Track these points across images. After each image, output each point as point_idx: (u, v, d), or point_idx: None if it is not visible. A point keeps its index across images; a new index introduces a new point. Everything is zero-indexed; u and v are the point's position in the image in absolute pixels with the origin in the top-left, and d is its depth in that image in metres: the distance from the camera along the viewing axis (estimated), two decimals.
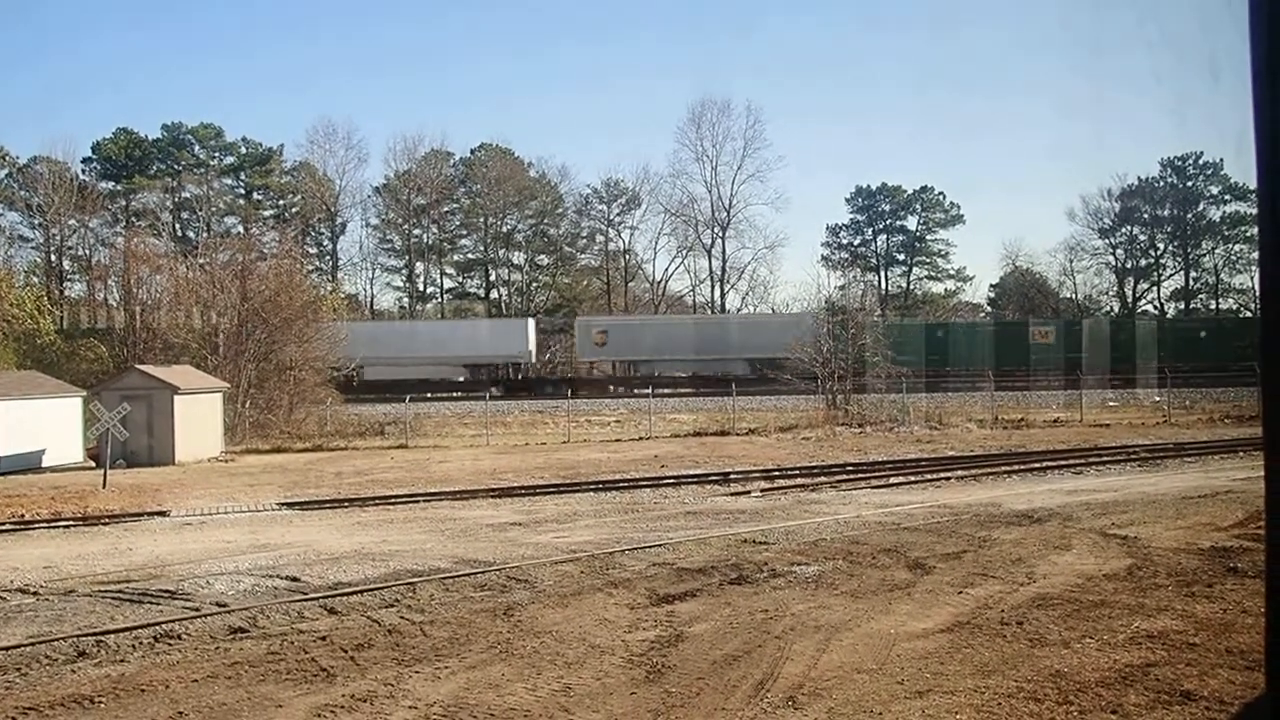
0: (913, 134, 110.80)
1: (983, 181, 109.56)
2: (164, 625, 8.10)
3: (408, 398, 39.30)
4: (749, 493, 18.96)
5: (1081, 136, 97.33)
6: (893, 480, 20.51)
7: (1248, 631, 6.98)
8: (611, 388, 54.21)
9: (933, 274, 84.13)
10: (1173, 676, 6.04)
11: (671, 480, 21.03)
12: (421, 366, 52.47)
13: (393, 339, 54.61)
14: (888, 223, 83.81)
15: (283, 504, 19.06)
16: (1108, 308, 75.03)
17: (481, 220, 78.05)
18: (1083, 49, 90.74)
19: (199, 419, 28.81)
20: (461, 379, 54.09)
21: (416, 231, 78.20)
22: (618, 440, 32.15)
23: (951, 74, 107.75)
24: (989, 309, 78.54)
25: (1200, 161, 75.76)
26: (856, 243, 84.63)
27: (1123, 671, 6.16)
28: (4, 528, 16.51)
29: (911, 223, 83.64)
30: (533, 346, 56.75)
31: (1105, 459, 22.92)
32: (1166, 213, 77.38)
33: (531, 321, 58.36)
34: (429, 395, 50.16)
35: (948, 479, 20.32)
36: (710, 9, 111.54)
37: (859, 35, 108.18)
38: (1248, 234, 74.55)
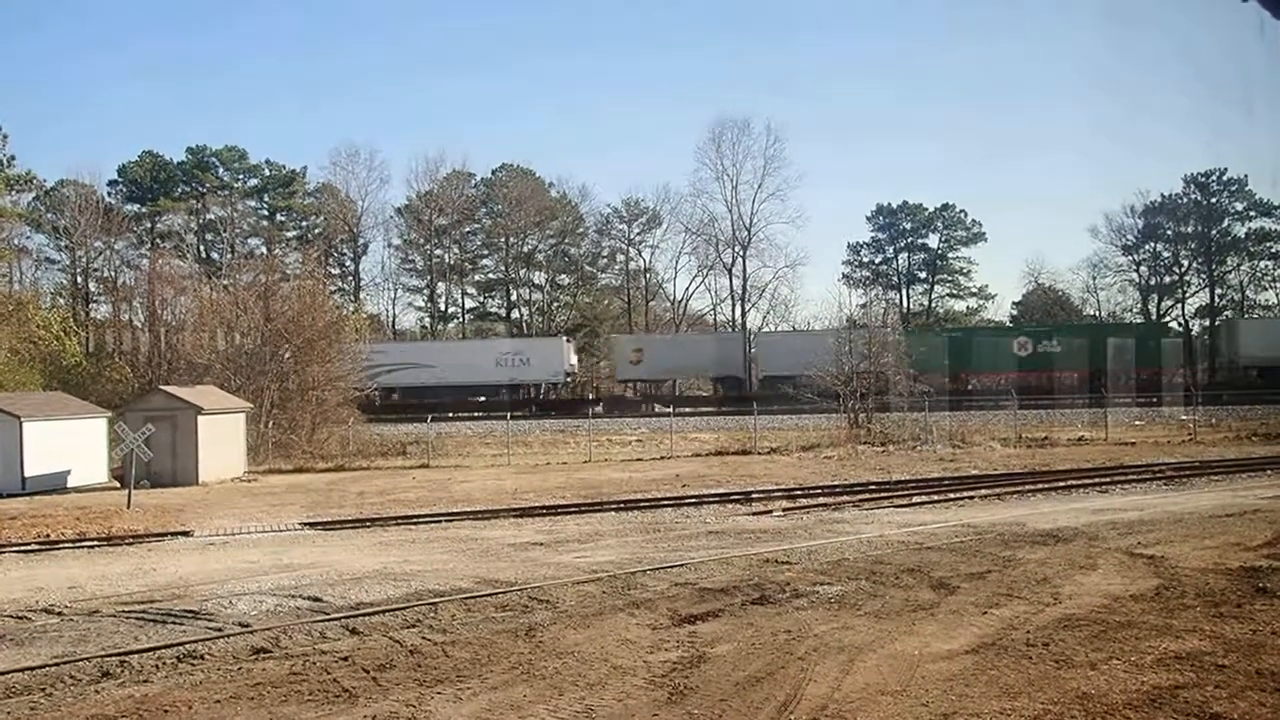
0: (934, 152, 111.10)
1: (1005, 199, 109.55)
2: (187, 645, 8.12)
3: (430, 417, 39.40)
4: (771, 512, 18.87)
5: (1105, 154, 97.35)
6: (916, 499, 20.38)
7: (1278, 653, 6.89)
8: None
9: (954, 292, 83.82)
10: (1201, 699, 5.95)
11: (693, 500, 20.96)
12: None
13: None
14: (909, 241, 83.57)
15: (305, 524, 19.12)
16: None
17: (503, 240, 78.37)
18: (1109, 72, 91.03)
19: (222, 439, 28.97)
20: None
21: (438, 252, 78.62)
22: (639, 460, 32.14)
23: (972, 93, 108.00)
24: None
25: (1224, 178, 75.32)
26: (878, 261, 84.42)
27: (1150, 694, 6.09)
28: (29, 548, 16.62)
29: (933, 240, 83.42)
30: None
31: (1131, 478, 22.73)
32: (1191, 229, 76.83)
33: None
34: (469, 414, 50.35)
35: (971, 498, 20.19)
36: (730, 28, 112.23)
37: (879, 55, 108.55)
38: (1273, 250, 74.02)
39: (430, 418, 39.23)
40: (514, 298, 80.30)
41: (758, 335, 62.79)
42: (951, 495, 20.77)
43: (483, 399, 56.52)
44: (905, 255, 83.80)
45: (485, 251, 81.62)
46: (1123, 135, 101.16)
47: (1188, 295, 77.31)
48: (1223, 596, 8.76)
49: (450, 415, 50.34)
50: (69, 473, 27.44)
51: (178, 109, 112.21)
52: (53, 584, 11.91)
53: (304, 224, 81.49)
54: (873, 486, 22.72)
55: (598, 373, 72.16)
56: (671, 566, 11.34)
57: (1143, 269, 77.75)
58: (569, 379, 61.41)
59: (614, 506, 20.34)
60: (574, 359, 60.98)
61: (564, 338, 62.44)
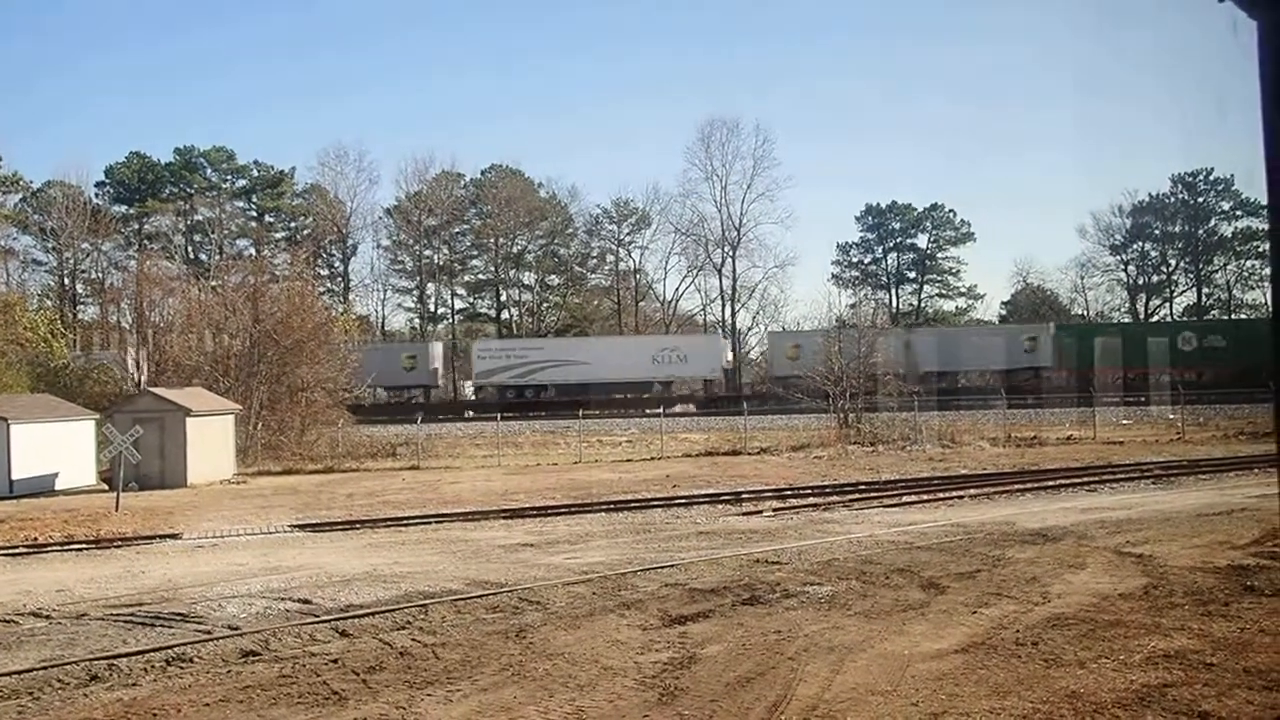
0: (923, 152, 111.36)
1: (993, 199, 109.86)
2: (176, 648, 8.08)
3: (419, 418, 39.31)
4: (761, 512, 18.90)
5: (1093, 154, 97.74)
6: (905, 499, 20.42)
7: (1266, 651, 6.92)
8: None
9: (944, 292, 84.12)
10: (1190, 697, 5.97)
11: (684, 500, 20.98)
12: None
13: None
14: (898, 241, 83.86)
15: (295, 526, 19.06)
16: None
17: (492, 241, 78.25)
18: (1094, 72, 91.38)
19: (211, 441, 28.86)
20: None
21: (427, 253, 78.48)
22: (629, 460, 32.12)
23: (961, 93, 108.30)
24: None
25: (1211, 177, 75.77)
26: (867, 261, 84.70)
27: (1139, 692, 6.10)
28: (17, 551, 16.54)
29: (922, 240, 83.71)
30: None
31: (1119, 476, 22.80)
32: (1178, 229, 77.29)
33: None
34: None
35: (961, 498, 20.23)
36: (720, 29, 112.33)
37: (868, 55, 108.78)
38: (1260, 249, 74.43)
39: (419, 418, 39.16)
40: (503, 298, 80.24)
41: (912, 330, 62.44)
42: (941, 495, 20.81)
43: (644, 395, 56.34)
44: (894, 255, 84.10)
45: (475, 252, 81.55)
46: (1111, 135, 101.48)
47: (1175, 295, 77.76)
48: (1211, 595, 8.79)
49: (439, 417, 50.16)
50: (57, 475, 27.30)
51: (165, 110, 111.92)
52: (40, 587, 11.85)
53: (292, 225, 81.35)
54: (862, 486, 22.77)
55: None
56: (662, 567, 11.34)
57: (1130, 268, 78.17)
58: (725, 375, 61.55)
59: (604, 507, 20.32)
60: (730, 355, 60.98)
61: (719, 334, 62.29)
